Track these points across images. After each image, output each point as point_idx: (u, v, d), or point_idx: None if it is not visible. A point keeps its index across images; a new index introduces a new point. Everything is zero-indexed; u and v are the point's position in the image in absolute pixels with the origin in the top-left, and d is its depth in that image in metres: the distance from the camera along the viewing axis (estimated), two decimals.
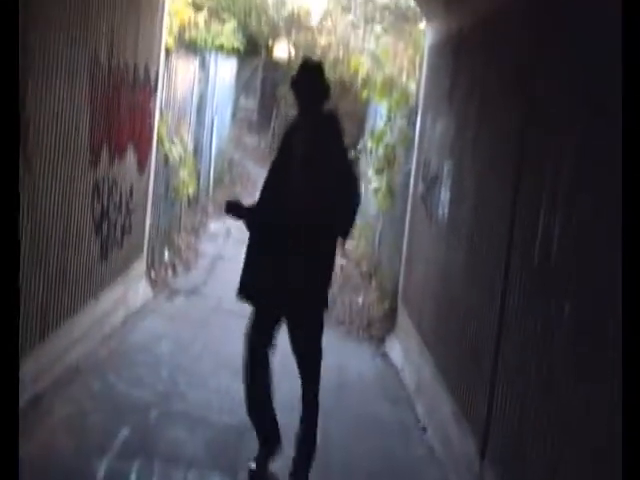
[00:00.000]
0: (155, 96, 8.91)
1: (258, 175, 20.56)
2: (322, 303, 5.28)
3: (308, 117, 5.23)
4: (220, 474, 5.17)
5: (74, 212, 6.33)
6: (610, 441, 3.34)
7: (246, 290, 5.22)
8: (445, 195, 7.36)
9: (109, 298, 7.63)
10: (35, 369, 5.57)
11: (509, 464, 4.74)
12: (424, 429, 6.68)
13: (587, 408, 3.69)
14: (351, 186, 5.29)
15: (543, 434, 4.22)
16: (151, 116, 8.90)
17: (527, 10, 5.42)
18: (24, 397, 5.30)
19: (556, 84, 4.70)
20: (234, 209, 5.33)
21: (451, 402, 6.25)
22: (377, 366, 8.60)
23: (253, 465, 5.14)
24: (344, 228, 5.35)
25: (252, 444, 5.52)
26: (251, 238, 5.25)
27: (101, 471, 4.83)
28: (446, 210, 7.28)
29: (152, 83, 8.66)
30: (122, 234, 8.02)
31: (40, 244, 5.55)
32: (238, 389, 6.68)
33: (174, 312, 9.06)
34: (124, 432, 5.42)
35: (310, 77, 5.25)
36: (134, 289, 8.76)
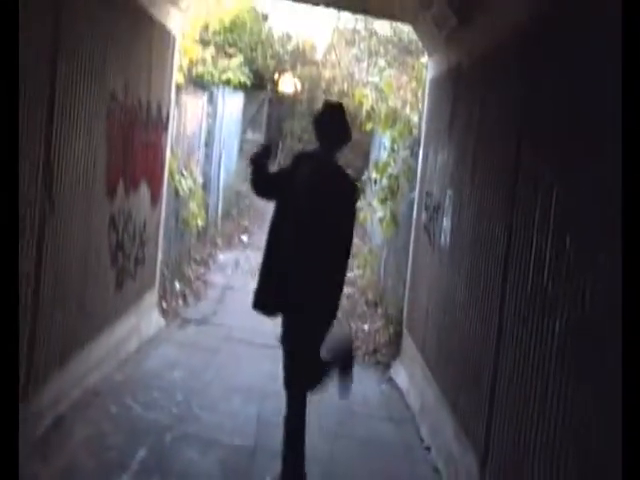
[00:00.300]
0: (167, 132, 9.24)
1: (265, 208, 20.90)
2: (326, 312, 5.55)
3: (325, 156, 5.57)
4: None
5: (92, 244, 6.62)
6: (605, 451, 3.59)
7: (261, 302, 5.51)
8: (446, 224, 7.63)
9: (124, 327, 7.92)
10: (57, 392, 5.86)
11: (508, 477, 4.98)
12: (428, 448, 6.91)
13: (582, 424, 3.92)
14: (343, 260, 5.57)
15: (539, 449, 4.47)
16: (163, 151, 9.23)
17: (522, 45, 5.70)
18: (47, 419, 5.62)
19: (549, 118, 4.97)
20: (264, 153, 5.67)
21: (453, 422, 6.49)
22: (383, 390, 8.83)
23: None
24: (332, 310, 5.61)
25: (263, 463, 5.79)
26: (265, 255, 5.56)
27: None
28: (447, 238, 7.55)
29: (164, 119, 9.00)
30: (136, 265, 8.30)
31: (61, 274, 5.84)
32: (249, 412, 6.99)
33: (186, 340, 9.32)
34: (141, 452, 5.69)
35: (334, 118, 5.60)
36: (147, 318, 9.03)
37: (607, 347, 3.65)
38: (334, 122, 5.62)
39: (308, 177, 5.48)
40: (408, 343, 9.13)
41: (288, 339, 5.51)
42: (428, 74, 9.88)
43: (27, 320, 5.18)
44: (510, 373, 5.19)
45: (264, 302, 5.51)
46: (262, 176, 5.68)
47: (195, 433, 6.32)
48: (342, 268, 5.55)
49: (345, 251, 5.54)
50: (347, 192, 5.58)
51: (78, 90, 5.84)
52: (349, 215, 5.58)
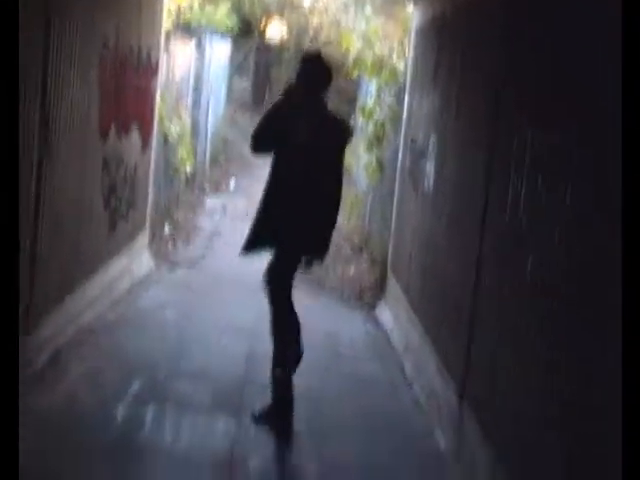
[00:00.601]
0: (156, 78, 9.39)
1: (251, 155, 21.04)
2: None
3: (315, 103, 5.75)
4: (225, 418, 5.71)
5: (86, 186, 6.84)
6: (574, 386, 3.87)
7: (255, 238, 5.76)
8: (430, 169, 7.84)
9: (116, 267, 8.15)
10: (54, 329, 6.11)
11: (483, 405, 5.27)
12: (411, 384, 7.21)
13: (550, 357, 4.16)
14: (335, 205, 5.85)
15: (511, 380, 4.75)
16: (153, 97, 9.38)
17: None
18: (45, 353, 5.88)
19: (531, 68, 5.15)
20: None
21: (435, 358, 6.77)
22: (368, 331, 9.11)
23: (257, 410, 5.69)
24: (320, 253, 5.92)
25: (252, 394, 6.08)
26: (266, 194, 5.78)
27: (119, 416, 5.39)
28: (430, 183, 7.77)
29: (153, 65, 9.14)
30: (127, 208, 8.52)
31: (59, 216, 6.05)
32: (239, 349, 7.27)
33: (176, 282, 9.57)
34: (135, 385, 5.96)
35: (315, 66, 5.79)
36: (138, 260, 9.27)
37: (576, 278, 3.90)
38: (317, 68, 5.81)
39: (303, 126, 5.66)
40: (393, 285, 9.40)
41: (277, 272, 5.76)
42: (414, 23, 10.00)
43: (26, 259, 5.41)
44: (487, 309, 5.46)
45: (258, 237, 5.74)
46: (266, 134, 5.76)
47: (187, 368, 6.60)
48: (338, 203, 5.88)
49: (339, 187, 5.84)
50: (341, 134, 5.89)
51: (72, 37, 6.00)
52: (342, 156, 5.88)
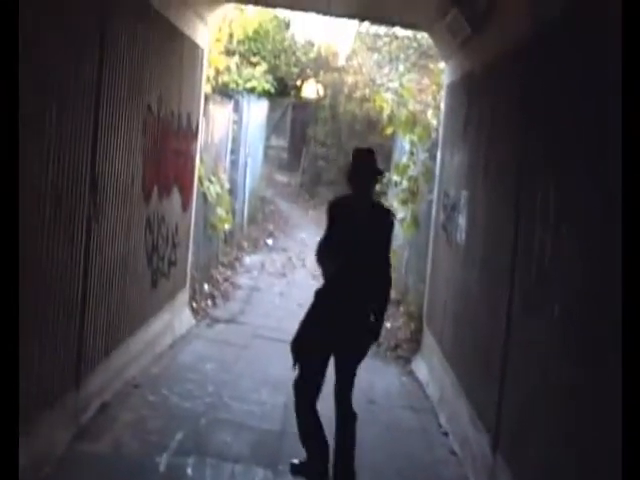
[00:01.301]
0: (196, 141, 9.75)
1: (289, 212, 21.39)
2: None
3: (365, 199, 5.93)
4: (263, 468, 5.90)
5: (131, 246, 7.13)
6: (603, 434, 4.01)
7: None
8: (462, 223, 8.06)
9: (158, 323, 8.42)
10: (101, 382, 6.37)
11: (515, 455, 5.41)
12: (446, 434, 7.35)
13: (582, 408, 4.31)
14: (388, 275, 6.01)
15: (541, 431, 4.90)
16: (193, 159, 9.74)
17: (527, 53, 6.08)
18: (94, 405, 6.14)
19: (549, 125, 5.39)
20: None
21: (469, 409, 6.91)
22: (404, 383, 9.28)
23: (296, 460, 5.86)
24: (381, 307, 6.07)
25: (290, 445, 6.25)
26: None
27: (162, 465, 5.60)
28: (463, 236, 7.97)
29: (193, 129, 9.51)
30: (169, 266, 8.82)
31: (106, 274, 6.34)
32: (277, 402, 7.46)
33: (215, 337, 9.81)
34: (179, 435, 6.18)
35: (366, 163, 5.94)
36: (179, 316, 9.54)
37: (605, 331, 4.05)
38: (369, 165, 5.94)
39: (358, 226, 5.83)
40: (427, 337, 9.56)
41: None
42: (445, 79, 10.28)
43: (76, 317, 5.70)
44: (517, 360, 5.61)
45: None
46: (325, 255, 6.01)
47: (227, 419, 6.82)
48: (391, 278, 6.06)
49: (390, 272, 6.04)
50: (390, 224, 6.04)
51: (119, 104, 6.33)
52: (390, 240, 6.06)
